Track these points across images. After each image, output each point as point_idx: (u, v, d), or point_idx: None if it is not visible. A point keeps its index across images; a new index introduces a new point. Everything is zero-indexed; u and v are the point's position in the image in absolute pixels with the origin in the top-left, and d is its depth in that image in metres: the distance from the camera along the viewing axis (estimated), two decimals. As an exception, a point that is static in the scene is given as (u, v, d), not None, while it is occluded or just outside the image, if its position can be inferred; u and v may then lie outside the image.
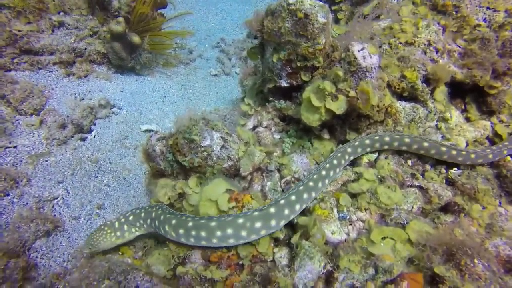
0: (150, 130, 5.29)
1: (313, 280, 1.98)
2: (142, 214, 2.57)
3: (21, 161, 4.18)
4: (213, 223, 2.13)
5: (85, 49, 6.00)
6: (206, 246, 2.23)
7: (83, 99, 5.42)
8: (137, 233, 2.64)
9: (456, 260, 1.84)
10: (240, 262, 2.25)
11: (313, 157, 2.98)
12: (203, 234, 2.15)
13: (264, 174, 2.86)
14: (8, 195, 3.66)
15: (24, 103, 4.78)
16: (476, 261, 1.84)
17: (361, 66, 2.61)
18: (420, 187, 2.62)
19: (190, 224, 2.20)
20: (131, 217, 2.60)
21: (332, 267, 2.02)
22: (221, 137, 2.78)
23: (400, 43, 3.08)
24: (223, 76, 7.89)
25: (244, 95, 6.09)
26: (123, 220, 2.61)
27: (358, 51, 2.61)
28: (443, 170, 2.78)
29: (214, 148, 2.72)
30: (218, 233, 2.12)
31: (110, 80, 6.07)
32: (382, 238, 2.21)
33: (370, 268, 1.94)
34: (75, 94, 5.44)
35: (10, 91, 4.69)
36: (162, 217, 2.40)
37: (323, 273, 2.01)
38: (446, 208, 2.51)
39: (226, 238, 2.13)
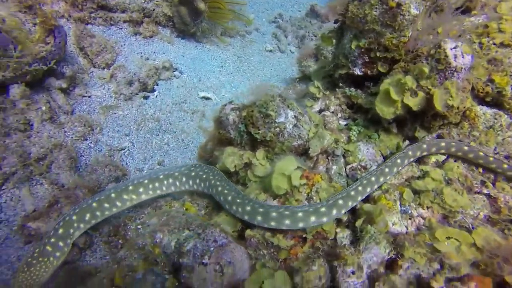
0: (207, 98, 5.49)
1: (377, 263, 2.10)
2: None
3: (94, 110, 4.54)
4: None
5: (153, 10, 6.19)
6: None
7: (148, 59, 5.66)
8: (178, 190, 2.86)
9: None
10: (304, 236, 2.40)
11: (379, 149, 3.02)
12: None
13: (329, 158, 2.95)
14: (86, 139, 4.03)
15: (99, 57, 5.09)
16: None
17: (450, 65, 2.56)
18: (489, 196, 2.60)
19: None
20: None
21: (396, 255, 2.13)
22: (295, 116, 2.87)
23: (494, 43, 2.94)
24: (278, 53, 7.87)
25: (300, 76, 6.12)
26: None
27: (451, 49, 2.55)
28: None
29: (287, 126, 2.82)
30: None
31: (172, 44, 6.27)
32: (446, 237, 2.27)
33: (435, 263, 2.02)
34: (141, 54, 5.69)
35: (89, 44, 5.00)
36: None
37: (387, 259, 2.12)
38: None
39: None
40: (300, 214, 2.26)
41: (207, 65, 6.22)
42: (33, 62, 3.93)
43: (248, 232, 2.42)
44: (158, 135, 4.57)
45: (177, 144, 4.55)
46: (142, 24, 6.11)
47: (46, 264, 2.30)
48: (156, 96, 5.20)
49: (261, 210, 2.30)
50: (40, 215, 3.14)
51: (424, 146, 2.78)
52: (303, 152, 2.93)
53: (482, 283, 1.87)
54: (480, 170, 2.76)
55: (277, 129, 2.82)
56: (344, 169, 2.87)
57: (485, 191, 2.66)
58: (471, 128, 2.84)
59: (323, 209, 2.28)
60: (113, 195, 2.72)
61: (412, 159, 2.78)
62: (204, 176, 2.81)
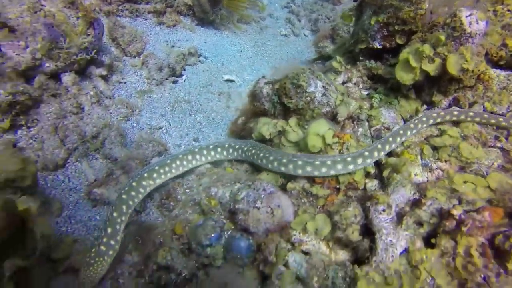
0: (231, 80, 5.85)
1: (404, 203, 2.46)
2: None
3: (131, 95, 4.95)
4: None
5: (175, 0, 6.53)
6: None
7: (173, 46, 6.03)
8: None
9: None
10: (337, 186, 2.78)
11: (399, 113, 3.35)
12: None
13: (355, 122, 3.30)
14: (129, 120, 4.46)
15: (130, 46, 5.48)
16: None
17: (465, 31, 2.85)
18: (502, 149, 2.91)
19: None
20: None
21: (419, 196, 2.49)
22: (323, 86, 3.22)
23: (509, 10, 3.18)
24: (292, 36, 8.13)
25: (317, 56, 6.42)
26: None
27: (466, 16, 2.84)
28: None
29: (317, 95, 3.17)
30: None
31: (194, 32, 6.62)
32: (463, 182, 2.61)
33: (454, 200, 2.37)
34: (167, 42, 6.06)
35: (120, 35, 5.39)
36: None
37: (412, 199, 2.49)
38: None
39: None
40: (329, 162, 2.62)
41: (228, 50, 6.55)
42: (78, 52, 4.34)
43: (289, 185, 2.81)
44: (191, 115, 4.97)
45: (208, 122, 4.95)
46: (165, 14, 6.46)
47: (102, 263, 2.63)
48: (184, 80, 5.58)
49: (299, 162, 2.68)
50: (101, 183, 3.61)
51: (435, 114, 3.08)
52: (331, 118, 3.28)
53: (495, 212, 2.22)
54: (494, 127, 3.06)
55: (308, 98, 3.18)
56: (369, 131, 3.21)
57: (498, 144, 2.97)
58: (485, 90, 3.14)
59: (349, 159, 2.64)
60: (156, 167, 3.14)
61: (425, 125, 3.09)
62: (244, 147, 3.20)
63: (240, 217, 2.51)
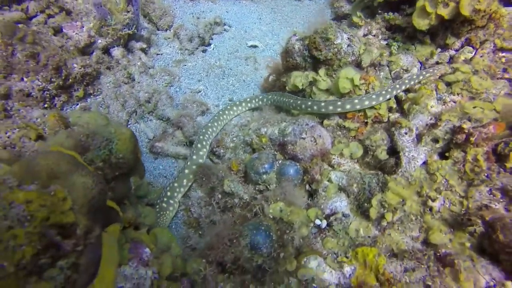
0: (255, 46, 6.30)
1: (423, 126, 3.00)
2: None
3: (169, 64, 5.51)
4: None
5: (194, -27, 6.87)
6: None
7: (199, 18, 6.47)
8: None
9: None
10: (366, 121, 3.33)
11: (416, 57, 3.80)
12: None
13: (377, 68, 3.78)
14: (172, 85, 5.06)
15: (161, 20, 5.97)
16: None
17: (474, -24, 3.22)
18: (510, 80, 3.36)
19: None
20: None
21: (435, 120, 3.01)
22: (348, 37, 3.68)
23: None
24: (306, 1, 8.37)
25: (334, 17, 6.74)
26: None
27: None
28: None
29: (343, 46, 3.64)
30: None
31: (215, 2, 7.00)
32: (473, 107, 3.10)
33: (465, 119, 2.89)
34: (192, 14, 6.50)
35: (152, 10, 5.87)
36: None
37: (429, 123, 3.02)
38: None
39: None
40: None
41: (248, 18, 6.94)
42: (122, 28, 4.88)
43: (325, 122, 3.38)
44: (223, 78, 5.52)
45: (240, 84, 5.49)
46: (187, -12, 6.83)
47: (165, 215, 3.44)
48: (213, 49, 6.08)
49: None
50: (160, 139, 4.26)
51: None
52: (356, 66, 3.76)
53: (498, 126, 2.74)
54: (503, 59, 3.49)
55: (336, 49, 3.66)
56: (389, 74, 3.70)
57: (506, 76, 3.41)
58: (496, 28, 3.52)
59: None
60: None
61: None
62: (280, 97, 3.90)
63: (289, 147, 3.12)
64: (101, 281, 1.30)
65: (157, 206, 3.50)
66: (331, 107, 3.31)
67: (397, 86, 3.35)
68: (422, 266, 2.23)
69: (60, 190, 1.33)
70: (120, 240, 1.92)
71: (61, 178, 1.38)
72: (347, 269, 2.43)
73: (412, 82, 3.43)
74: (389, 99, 3.34)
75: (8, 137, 2.98)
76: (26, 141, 2.99)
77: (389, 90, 3.30)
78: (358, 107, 3.25)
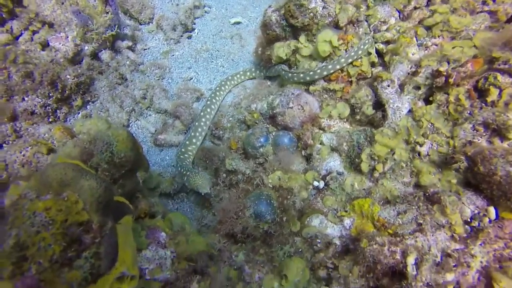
0: (238, 22, 6.29)
1: (404, 76, 3.08)
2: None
3: (157, 57, 5.61)
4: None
5: (165, -42, 6.75)
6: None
7: (178, 4, 6.45)
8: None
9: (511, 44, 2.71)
10: (350, 79, 3.42)
11: (394, 6, 3.77)
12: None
13: (355, 25, 3.79)
14: (164, 78, 5.20)
15: (142, 14, 6.00)
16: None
17: None
18: (490, 11, 3.32)
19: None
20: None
21: (416, 67, 3.08)
22: (322, 0, 3.68)
23: None
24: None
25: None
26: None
27: None
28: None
29: (318, 9, 3.66)
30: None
31: (191, -15, 6.90)
32: (452, 47, 3.13)
33: (443, 62, 2.95)
34: (171, 2, 6.47)
35: (131, 6, 5.89)
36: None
37: (410, 72, 3.09)
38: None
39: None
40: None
41: (227, -6, 6.86)
42: (105, 30, 4.97)
43: (311, 88, 3.49)
44: (212, 61, 5.60)
45: (229, 63, 5.57)
46: (160, -25, 6.75)
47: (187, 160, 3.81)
48: (197, 33, 6.11)
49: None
50: (162, 131, 4.48)
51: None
52: (334, 26, 3.79)
53: (476, 62, 2.79)
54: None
55: (311, 13, 3.68)
56: (368, 28, 3.71)
57: (486, 8, 3.38)
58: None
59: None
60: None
61: None
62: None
63: (279, 118, 3.27)
64: (122, 263, 1.56)
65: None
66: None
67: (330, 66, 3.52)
68: (413, 207, 2.42)
69: (71, 195, 1.56)
70: (136, 229, 2.18)
71: (70, 184, 1.61)
72: (347, 221, 2.65)
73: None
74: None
75: (23, 156, 3.25)
76: (40, 156, 3.25)
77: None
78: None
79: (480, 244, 2.12)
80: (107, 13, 5.07)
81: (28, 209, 1.49)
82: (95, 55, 4.94)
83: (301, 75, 3.61)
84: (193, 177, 3.24)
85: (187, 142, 3.93)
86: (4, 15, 4.40)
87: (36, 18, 4.51)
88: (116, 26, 5.16)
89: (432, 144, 2.81)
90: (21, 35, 4.52)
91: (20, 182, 1.84)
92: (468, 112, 2.75)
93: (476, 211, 2.26)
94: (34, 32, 4.57)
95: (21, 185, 1.78)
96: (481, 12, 3.43)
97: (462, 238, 2.23)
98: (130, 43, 5.43)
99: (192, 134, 4.02)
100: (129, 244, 1.68)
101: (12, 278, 1.33)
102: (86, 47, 4.76)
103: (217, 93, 4.53)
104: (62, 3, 4.59)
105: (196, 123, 4.12)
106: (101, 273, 1.49)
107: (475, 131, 2.66)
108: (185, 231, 2.62)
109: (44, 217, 1.47)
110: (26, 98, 3.98)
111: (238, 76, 4.93)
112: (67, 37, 4.54)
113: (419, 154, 2.80)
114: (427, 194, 2.49)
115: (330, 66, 3.41)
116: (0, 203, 1.84)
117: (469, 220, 2.28)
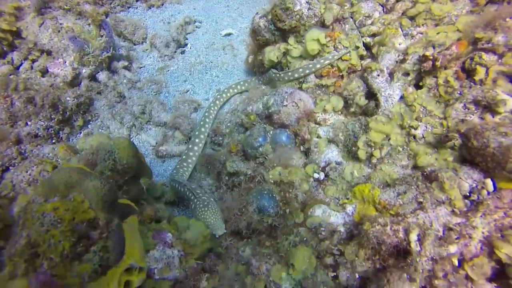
0: (229, 33, 6.47)
1: (393, 64, 3.17)
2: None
3: (154, 74, 5.77)
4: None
5: (154, -19, 7.02)
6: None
7: (169, 22, 6.67)
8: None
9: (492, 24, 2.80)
10: (341, 74, 3.51)
11: (376, 1, 3.90)
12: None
13: (341, 22, 3.91)
14: (161, 92, 5.33)
15: (135, 35, 6.20)
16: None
17: None
18: (470, -4, 3.43)
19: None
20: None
21: (403, 55, 3.17)
22: (306, 1, 3.82)
23: None
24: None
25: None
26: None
27: None
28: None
29: (304, 10, 3.79)
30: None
31: (181, 3, 7.16)
32: (437, 33, 3.23)
33: (429, 47, 3.03)
34: (163, 20, 6.70)
35: (124, 28, 6.10)
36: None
37: (398, 60, 3.18)
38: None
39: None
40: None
41: (216, 9, 7.08)
42: (101, 53, 5.14)
43: (304, 85, 3.58)
44: (207, 72, 5.74)
45: (223, 73, 5.71)
46: (151, -3, 7.01)
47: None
48: (190, 48, 6.29)
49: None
50: (162, 143, 4.56)
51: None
52: (321, 26, 3.91)
53: (460, 44, 2.88)
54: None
55: (297, 16, 3.81)
56: (354, 24, 3.83)
57: (466, -7, 3.49)
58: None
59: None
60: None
61: None
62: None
63: (275, 117, 3.35)
64: (129, 256, 1.61)
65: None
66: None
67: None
68: (412, 187, 2.45)
69: (77, 195, 1.63)
70: (143, 231, 2.23)
71: (76, 186, 1.68)
72: (349, 208, 2.68)
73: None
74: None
75: (29, 175, 3.33)
76: (45, 174, 3.33)
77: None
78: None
79: (481, 216, 2.15)
80: (102, 36, 5.26)
81: (37, 211, 1.56)
82: (93, 77, 5.09)
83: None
84: (203, 211, 2.84)
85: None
86: (5, 48, 4.58)
87: (35, 48, 4.68)
88: (111, 48, 5.33)
89: (426, 127, 2.86)
90: (21, 65, 4.69)
91: (28, 191, 1.91)
92: (458, 92, 2.81)
93: (474, 185, 2.29)
94: (33, 61, 4.73)
95: (29, 193, 1.85)
96: (461, -3, 3.53)
97: (462, 212, 2.25)
98: (126, 63, 5.60)
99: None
100: (135, 239, 1.73)
101: (26, 275, 1.38)
102: (84, 70, 4.91)
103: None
104: (59, 31, 4.77)
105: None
106: (110, 265, 1.53)
107: (466, 109, 2.72)
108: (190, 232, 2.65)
109: (52, 217, 1.53)
110: (29, 122, 4.10)
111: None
112: (65, 62, 4.70)
113: (414, 137, 2.85)
114: (425, 173, 2.52)
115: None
116: (10, 212, 1.91)
117: (468, 194, 2.30)
